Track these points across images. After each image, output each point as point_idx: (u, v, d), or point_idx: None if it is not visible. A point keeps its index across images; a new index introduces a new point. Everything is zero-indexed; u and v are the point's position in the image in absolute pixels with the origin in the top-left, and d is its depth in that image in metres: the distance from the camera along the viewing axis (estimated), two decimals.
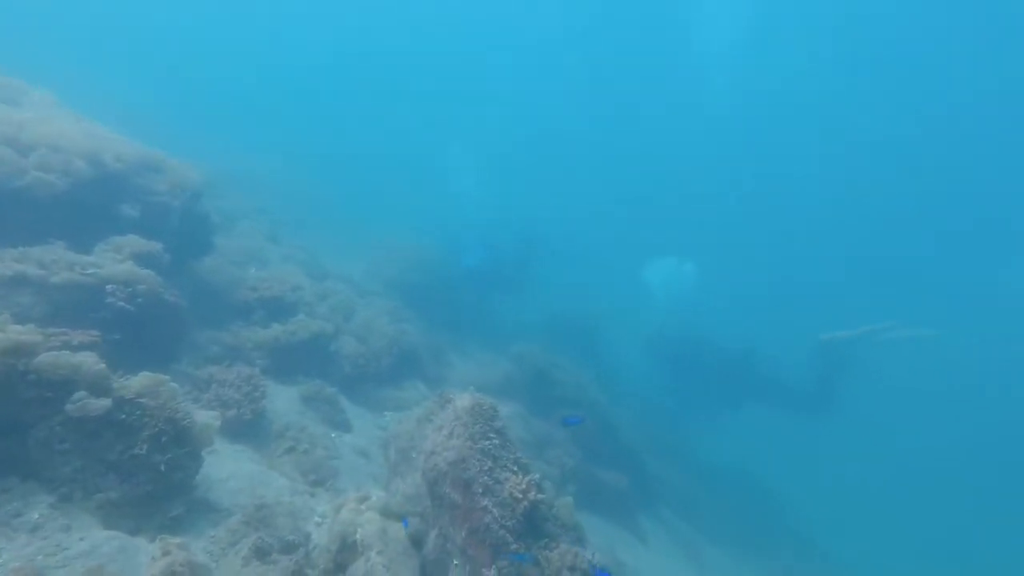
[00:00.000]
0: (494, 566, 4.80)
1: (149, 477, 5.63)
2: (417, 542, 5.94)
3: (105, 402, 5.54)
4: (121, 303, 7.92)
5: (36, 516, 4.96)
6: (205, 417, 6.67)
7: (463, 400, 6.01)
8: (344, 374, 11.38)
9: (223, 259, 11.56)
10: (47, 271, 7.43)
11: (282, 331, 10.07)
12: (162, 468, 5.68)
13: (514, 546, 4.84)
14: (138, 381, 5.91)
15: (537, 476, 5.50)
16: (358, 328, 12.86)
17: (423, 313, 16.45)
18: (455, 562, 5.27)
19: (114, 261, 8.14)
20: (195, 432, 6.13)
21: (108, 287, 7.88)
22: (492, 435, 5.62)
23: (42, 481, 5.27)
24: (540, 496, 5.27)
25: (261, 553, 5.57)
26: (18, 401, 5.17)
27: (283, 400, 9.61)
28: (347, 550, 5.79)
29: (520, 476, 5.33)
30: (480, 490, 5.25)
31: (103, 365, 5.72)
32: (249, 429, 8.46)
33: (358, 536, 5.77)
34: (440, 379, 13.81)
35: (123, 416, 5.61)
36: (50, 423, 5.25)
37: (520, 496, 5.08)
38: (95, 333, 7.69)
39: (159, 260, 8.92)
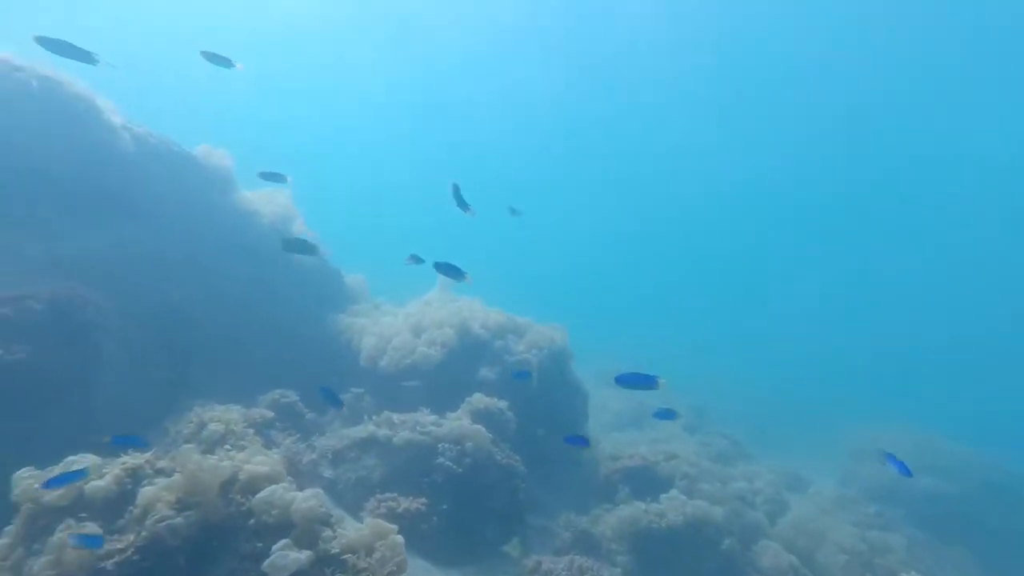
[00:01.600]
0: None
1: None
2: None
3: (300, 556, 4.14)
4: (448, 463, 7.09)
5: None
6: None
7: None
8: None
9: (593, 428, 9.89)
10: (393, 432, 7.46)
11: (643, 512, 6.96)
12: None
13: None
14: (354, 533, 4.39)
15: None
16: (788, 530, 8.00)
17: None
18: None
19: (453, 420, 7.65)
20: None
21: (439, 446, 7.28)
22: None
23: None
24: None
25: None
26: (226, 530, 4.40)
27: None
28: None
29: None
30: None
31: (323, 509, 4.50)
32: None
33: None
34: None
35: None
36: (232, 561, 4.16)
37: None
38: (423, 501, 6.95)
39: (500, 419, 8.03)
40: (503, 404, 8.24)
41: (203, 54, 6.75)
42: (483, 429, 7.46)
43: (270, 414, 7.25)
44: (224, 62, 6.85)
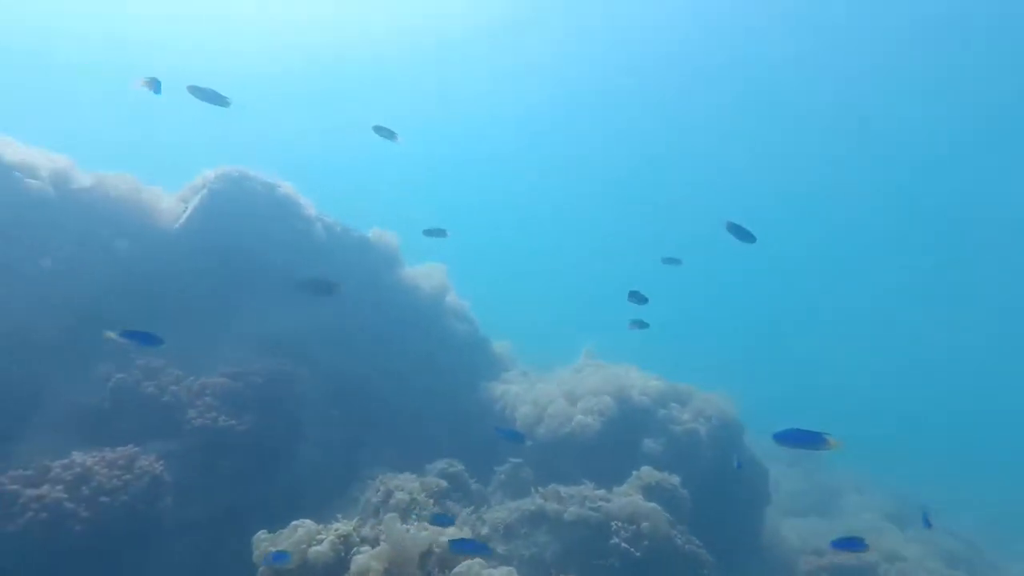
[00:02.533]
0: None
1: None
2: None
3: None
4: (624, 545, 6.60)
5: None
6: None
7: None
8: None
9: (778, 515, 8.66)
10: (562, 506, 7.19)
11: None
12: None
13: None
14: None
15: None
16: None
17: None
18: None
19: (621, 495, 7.21)
20: None
21: (612, 524, 6.84)
22: None
23: None
24: None
25: None
26: None
27: None
28: None
29: None
30: None
31: None
32: None
33: None
34: None
35: None
36: None
37: None
38: None
39: (674, 497, 7.40)
40: (675, 480, 7.59)
41: (376, 129, 7.47)
42: (659, 508, 6.88)
43: (444, 483, 7.38)
44: (389, 135, 7.64)
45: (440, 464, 8.36)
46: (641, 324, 6.54)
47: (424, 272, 12.21)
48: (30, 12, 35.40)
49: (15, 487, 4.64)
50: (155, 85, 5.80)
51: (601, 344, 13.53)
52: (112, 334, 4.38)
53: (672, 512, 7.11)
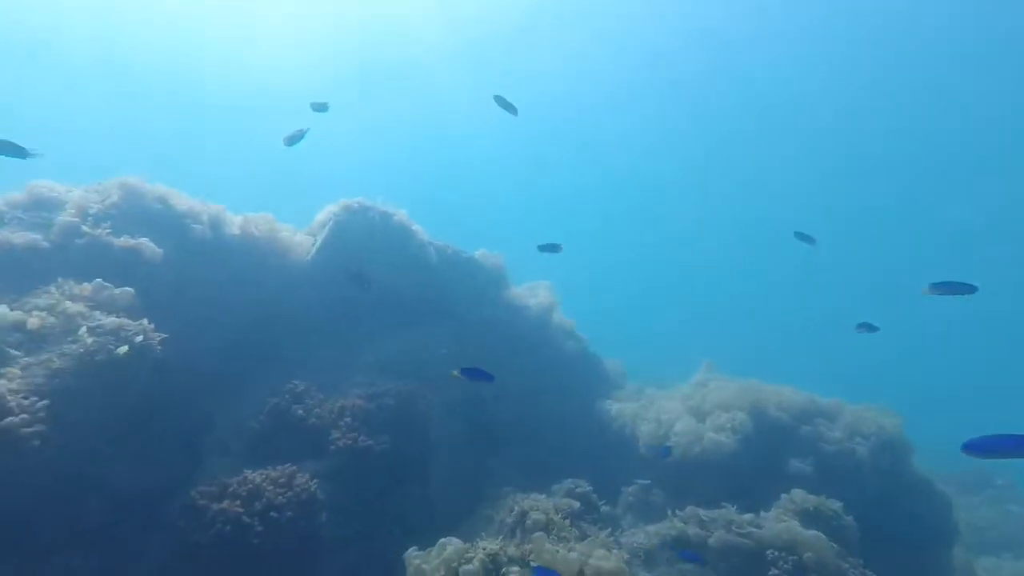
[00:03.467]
0: None
1: None
2: None
3: None
4: None
5: None
6: None
7: None
8: None
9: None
10: (705, 531, 6.69)
11: None
12: None
13: None
14: None
15: None
16: None
17: None
18: None
19: (773, 521, 6.56)
20: None
21: (768, 553, 6.22)
22: None
23: None
24: None
25: None
26: None
27: None
28: None
29: None
30: None
31: None
32: None
33: None
34: None
35: None
36: None
37: None
38: None
39: (837, 525, 6.61)
40: (836, 506, 6.77)
41: (496, 99, 7.61)
42: (823, 536, 6.14)
43: (576, 504, 7.13)
44: (508, 106, 7.84)
45: (566, 484, 8.12)
46: (870, 328, 6.08)
47: (528, 291, 12.22)
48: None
49: (204, 502, 5.07)
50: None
51: (718, 357, 12.73)
52: (455, 373, 5.22)
53: (837, 542, 6.33)
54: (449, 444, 8.41)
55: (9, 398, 3.83)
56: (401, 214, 9.40)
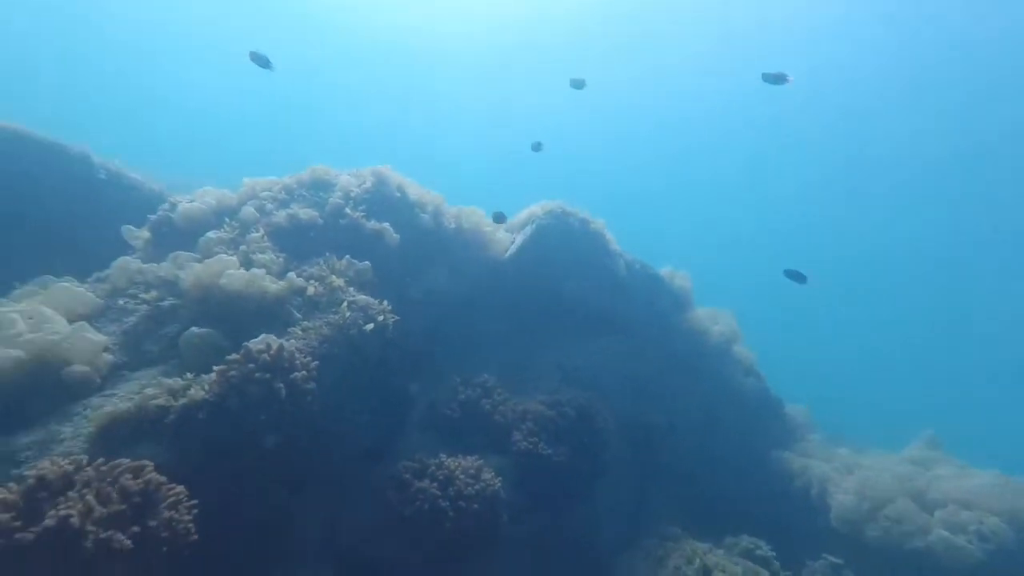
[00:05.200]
0: None
1: None
2: None
3: None
4: None
5: None
6: None
7: None
8: None
9: None
10: None
11: None
12: None
13: None
14: None
15: None
16: None
17: None
18: None
19: None
20: None
21: None
22: None
23: None
24: None
25: None
26: None
27: None
28: None
29: None
30: None
31: None
32: None
33: None
34: None
35: None
36: None
37: None
38: None
39: None
40: None
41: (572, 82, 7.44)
42: None
43: (766, 573, 6.37)
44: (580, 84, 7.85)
45: (744, 541, 7.34)
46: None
47: (710, 316, 11.34)
48: None
49: (408, 476, 5.42)
50: None
51: (937, 425, 10.61)
52: None
53: None
54: (617, 465, 8.09)
55: (296, 356, 4.40)
56: (599, 223, 9.25)
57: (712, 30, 34.25)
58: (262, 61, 6.76)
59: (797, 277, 7.97)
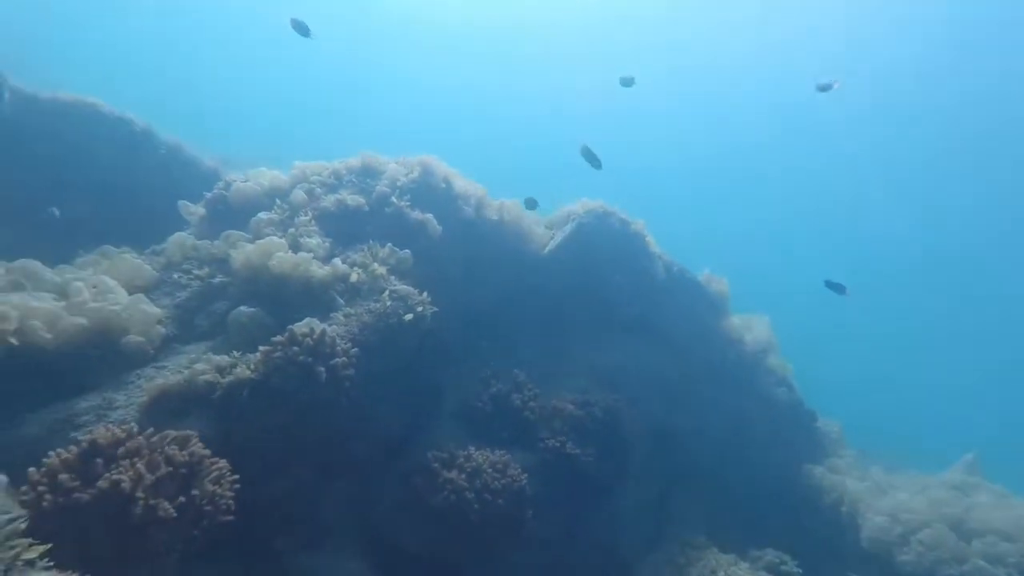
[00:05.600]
0: None
1: None
2: None
3: None
4: None
5: None
6: None
7: None
8: None
9: None
10: None
11: None
12: None
13: None
14: None
15: None
16: None
17: None
18: None
19: None
20: None
21: None
22: None
23: None
24: None
25: None
26: None
27: None
28: None
29: None
30: None
31: None
32: None
33: None
34: None
35: None
36: None
37: None
38: None
39: None
40: None
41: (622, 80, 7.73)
42: None
43: None
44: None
45: (769, 555, 7.24)
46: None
47: (745, 324, 11.09)
48: None
49: (436, 465, 5.52)
50: None
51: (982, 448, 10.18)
52: None
53: None
54: (642, 468, 8.06)
55: (338, 342, 4.52)
56: (639, 224, 9.13)
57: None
58: (302, 29, 7.12)
59: (837, 288, 7.80)
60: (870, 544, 7.83)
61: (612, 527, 7.23)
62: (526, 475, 6.14)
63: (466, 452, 5.89)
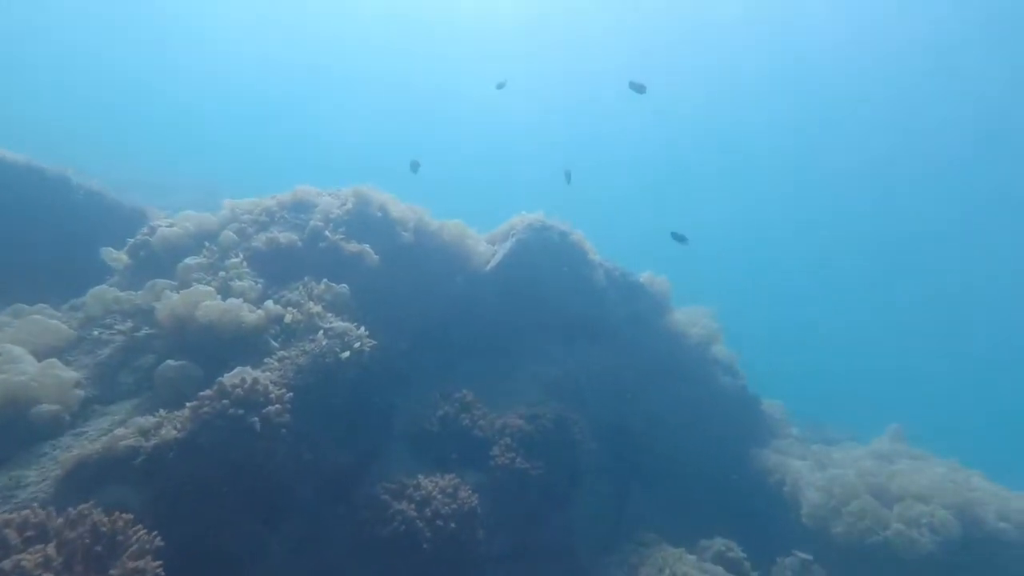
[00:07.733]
0: None
1: None
2: None
3: None
4: None
5: None
6: None
7: None
8: None
9: None
10: None
11: None
12: None
13: None
14: None
15: None
16: None
17: None
18: None
19: None
20: None
21: None
22: None
23: None
24: None
25: None
26: None
27: None
28: None
29: None
30: None
31: None
32: None
33: None
34: None
35: None
36: None
37: None
38: None
39: None
40: None
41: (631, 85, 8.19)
42: None
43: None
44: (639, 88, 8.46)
45: (717, 543, 7.62)
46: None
47: (688, 319, 11.56)
48: None
49: (386, 497, 5.57)
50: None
51: (908, 419, 10.99)
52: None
53: None
54: (595, 472, 8.31)
55: (271, 388, 4.50)
56: (577, 234, 9.40)
57: None
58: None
59: (680, 239, 8.69)
60: (808, 519, 8.35)
61: (568, 534, 7.44)
62: (477, 495, 6.27)
63: (415, 481, 5.96)
